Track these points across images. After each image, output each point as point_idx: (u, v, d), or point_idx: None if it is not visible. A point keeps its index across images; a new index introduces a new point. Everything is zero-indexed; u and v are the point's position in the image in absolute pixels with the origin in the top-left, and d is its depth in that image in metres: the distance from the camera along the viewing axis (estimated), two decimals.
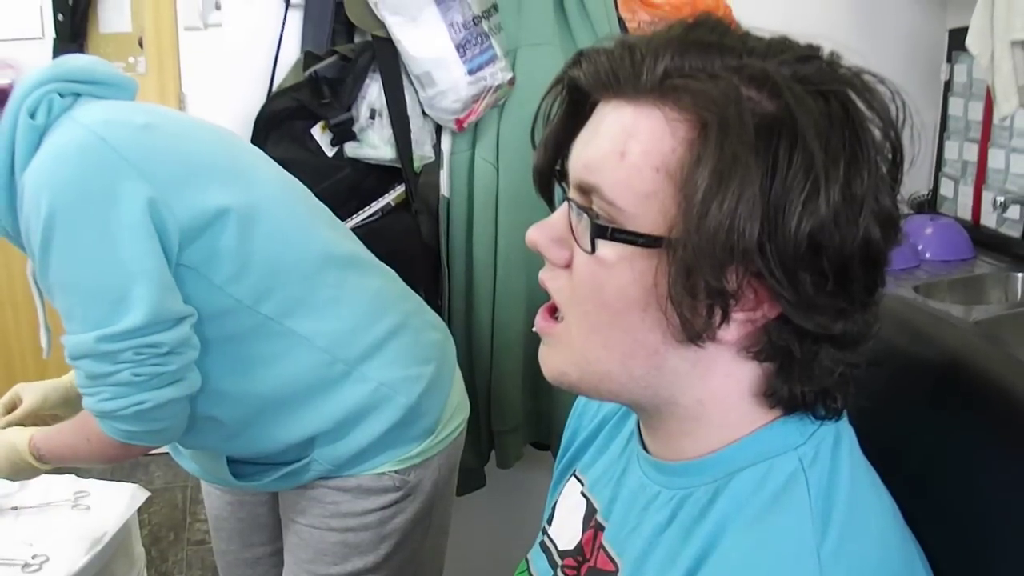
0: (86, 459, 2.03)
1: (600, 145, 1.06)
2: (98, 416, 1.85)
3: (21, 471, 2.09)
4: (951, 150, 3.33)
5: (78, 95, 1.87)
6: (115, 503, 2.63)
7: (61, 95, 1.84)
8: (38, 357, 2.12)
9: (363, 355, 2.03)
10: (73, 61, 1.93)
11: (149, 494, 2.78)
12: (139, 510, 2.73)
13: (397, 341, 2.09)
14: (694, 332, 1.01)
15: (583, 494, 1.35)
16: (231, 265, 1.87)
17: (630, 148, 1.02)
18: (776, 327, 1.03)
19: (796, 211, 0.95)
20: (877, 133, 1.01)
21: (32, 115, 1.79)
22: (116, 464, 2.14)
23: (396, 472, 2.09)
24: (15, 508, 2.57)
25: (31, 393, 2.20)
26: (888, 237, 1.01)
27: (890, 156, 1.02)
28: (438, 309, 2.82)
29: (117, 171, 1.75)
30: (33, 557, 2.33)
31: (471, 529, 3.25)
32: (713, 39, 1.04)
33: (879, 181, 1.00)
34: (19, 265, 1.82)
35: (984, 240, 3.18)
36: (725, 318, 1.01)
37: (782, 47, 1.04)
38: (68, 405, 2.16)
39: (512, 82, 2.70)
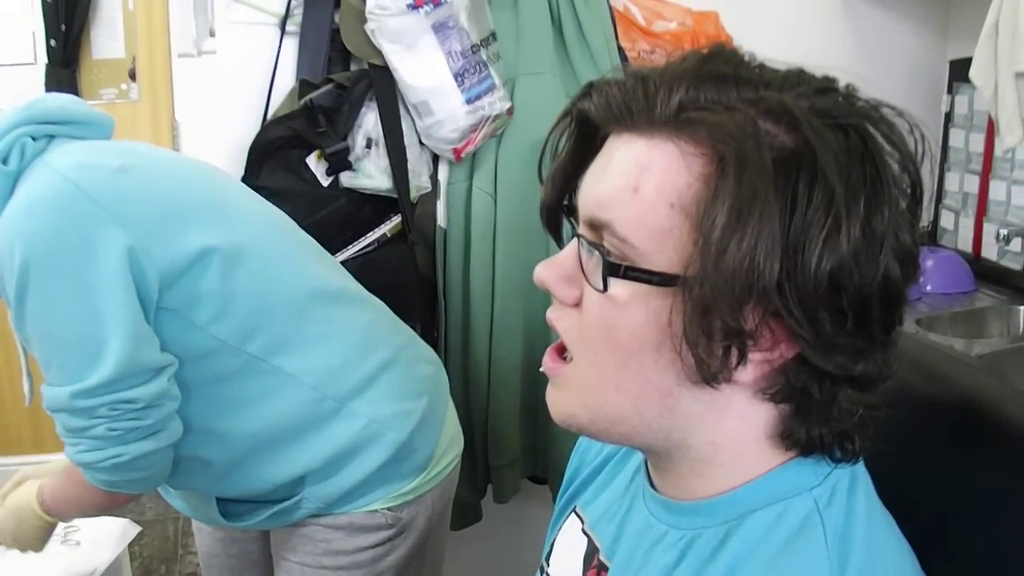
0: (83, 506, 2.01)
1: (612, 180, 1.03)
2: (79, 466, 1.84)
3: (28, 527, 2.06)
4: (952, 182, 3.32)
5: (52, 136, 1.85)
6: (106, 538, 2.61)
7: (34, 138, 1.81)
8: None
9: (353, 391, 2.00)
10: (46, 102, 1.90)
11: (140, 529, 2.76)
12: (130, 543, 2.70)
13: (388, 376, 2.06)
14: (709, 373, 0.98)
15: (584, 531, 1.32)
16: (213, 305, 1.84)
17: (643, 183, 0.99)
18: (794, 368, 1.00)
19: (816, 249, 0.92)
20: (896, 167, 0.98)
21: (4, 161, 1.76)
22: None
23: (389, 509, 2.06)
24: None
25: (37, 477, 2.15)
26: (908, 274, 0.99)
27: (909, 191, 1.00)
28: (434, 342, 2.79)
29: (92, 219, 1.72)
30: None
31: (467, 564, 3.23)
32: (729, 71, 1.01)
33: (899, 217, 0.97)
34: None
35: (985, 273, 3.17)
36: (742, 359, 0.98)
37: (799, 79, 1.02)
38: None
39: (511, 111, 2.67)
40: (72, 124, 1.88)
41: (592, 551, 1.28)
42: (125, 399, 1.74)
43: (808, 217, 0.92)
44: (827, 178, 0.92)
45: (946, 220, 3.35)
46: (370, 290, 2.20)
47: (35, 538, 2.08)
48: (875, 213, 0.94)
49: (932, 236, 3.38)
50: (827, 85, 1.02)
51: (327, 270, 2.13)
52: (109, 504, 1.95)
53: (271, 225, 2.07)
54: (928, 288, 3.08)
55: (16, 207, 1.74)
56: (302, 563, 2.10)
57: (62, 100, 1.94)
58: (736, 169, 0.93)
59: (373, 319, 2.14)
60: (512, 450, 2.86)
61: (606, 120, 1.06)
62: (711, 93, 0.99)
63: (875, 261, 0.94)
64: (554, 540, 1.40)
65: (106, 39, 4.59)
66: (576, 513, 1.37)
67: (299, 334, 1.95)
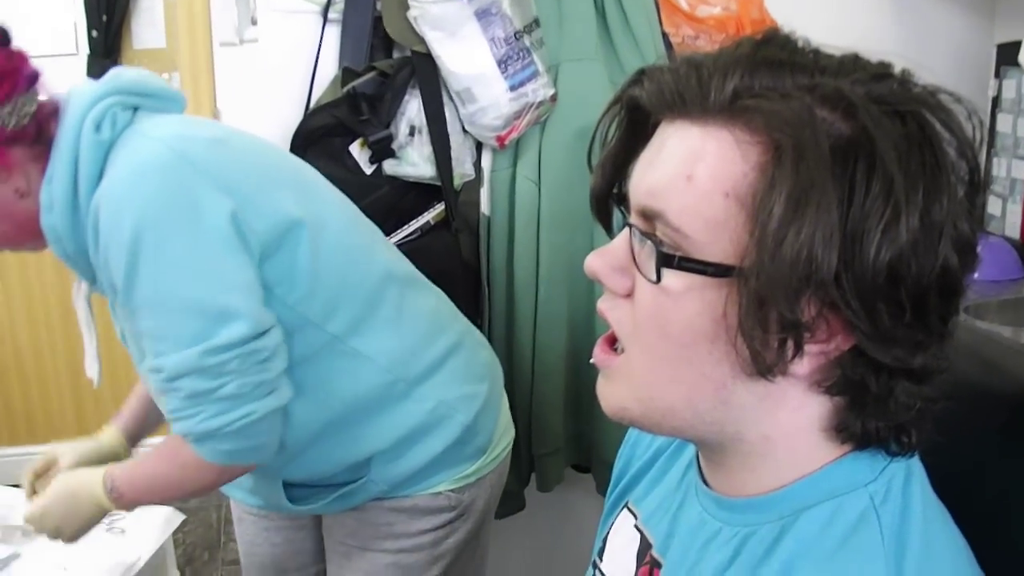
0: (175, 491, 1.99)
1: (664, 168, 1.01)
2: (198, 438, 1.80)
3: (81, 515, 2.01)
4: (999, 167, 3.28)
5: (136, 108, 1.84)
6: (150, 527, 2.62)
7: (123, 108, 1.81)
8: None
9: (423, 374, 2.01)
10: (128, 74, 1.90)
11: (184, 517, 2.76)
12: (173, 531, 2.70)
13: (454, 360, 2.07)
14: (765, 366, 0.96)
15: (636, 527, 1.31)
16: (304, 283, 1.84)
17: (698, 172, 0.98)
18: (850, 360, 0.98)
19: (875, 239, 0.90)
20: (953, 154, 0.96)
21: (97, 129, 1.75)
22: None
23: (452, 491, 2.08)
24: None
25: (67, 454, 2.16)
26: (966, 264, 0.97)
27: (967, 179, 0.98)
28: (478, 329, 2.78)
29: (199, 185, 1.72)
30: None
31: (510, 552, 3.23)
32: (783, 57, 0.99)
33: (958, 205, 0.95)
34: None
35: None
36: (798, 351, 0.96)
37: (854, 65, 1.00)
38: (103, 463, 2.07)
39: (554, 98, 2.66)
40: (154, 97, 1.88)
41: (645, 547, 1.27)
42: (254, 350, 1.74)
43: (867, 207, 0.90)
44: (886, 166, 0.91)
45: (993, 206, 3.31)
46: None
47: (83, 527, 2.03)
48: (934, 202, 0.92)
49: (980, 222, 3.34)
50: (883, 71, 1.00)
51: (394, 254, 2.14)
52: (214, 483, 1.90)
53: (345, 204, 2.08)
54: (976, 275, 3.03)
55: (120, 176, 1.73)
56: (362, 547, 2.11)
57: (140, 73, 1.94)
58: (793, 158, 0.91)
59: (437, 304, 2.16)
60: (556, 439, 2.86)
61: (658, 107, 1.05)
62: (766, 80, 0.97)
63: (934, 251, 0.93)
64: (606, 536, 1.38)
65: (147, 29, 4.60)
66: (628, 508, 1.35)
67: (373, 315, 1.95)
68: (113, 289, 1.77)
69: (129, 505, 2.02)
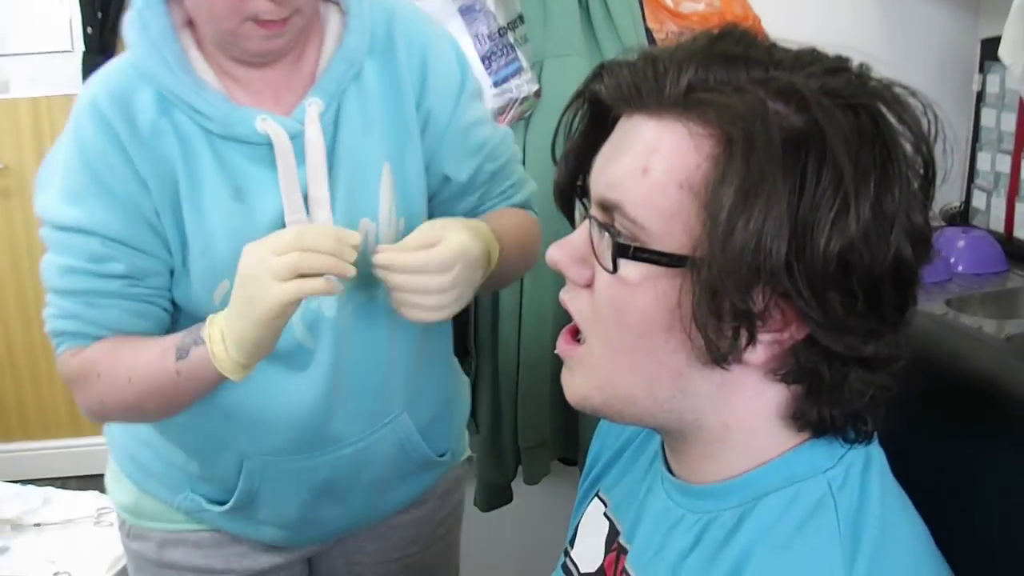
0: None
1: (622, 161, 1.03)
2: None
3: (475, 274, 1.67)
4: (983, 161, 3.29)
5: None
6: None
7: None
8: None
9: None
10: None
11: None
12: None
13: None
14: (719, 354, 0.98)
15: (606, 515, 1.33)
16: None
17: (653, 164, 1.00)
18: (804, 349, 1.00)
19: (825, 229, 0.92)
20: (908, 147, 0.98)
21: None
22: None
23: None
24: (38, 524, 2.57)
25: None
26: (920, 255, 0.99)
27: (922, 171, 0.99)
28: (464, 324, 2.79)
29: None
30: (55, 574, 2.32)
31: (498, 544, 3.24)
32: (739, 51, 1.01)
33: (911, 197, 0.97)
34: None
35: (1017, 253, 3.14)
36: (751, 340, 0.98)
37: (810, 59, 1.02)
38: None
39: (538, 94, 2.67)
40: None
41: (614, 534, 1.28)
42: None
43: (816, 198, 0.92)
44: (836, 159, 0.92)
45: (978, 200, 3.32)
46: None
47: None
48: (885, 193, 0.94)
49: (964, 216, 3.35)
50: (839, 65, 1.02)
51: None
52: None
53: None
54: (959, 268, 3.05)
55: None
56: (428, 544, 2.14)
57: None
58: (743, 150, 0.93)
59: None
60: (542, 432, 2.87)
61: (617, 101, 1.07)
62: (720, 73, 0.99)
63: (885, 241, 0.94)
64: (578, 524, 1.40)
65: None
66: (599, 497, 1.37)
67: None
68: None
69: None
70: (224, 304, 1.60)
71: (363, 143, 1.72)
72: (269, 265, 1.47)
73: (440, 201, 1.87)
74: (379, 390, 1.84)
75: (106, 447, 2.01)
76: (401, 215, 1.77)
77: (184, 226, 1.66)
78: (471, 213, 1.87)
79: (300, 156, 1.66)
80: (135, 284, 1.67)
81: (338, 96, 1.70)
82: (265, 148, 1.65)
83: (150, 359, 1.63)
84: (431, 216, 1.83)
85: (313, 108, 1.66)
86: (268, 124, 1.63)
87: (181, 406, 1.69)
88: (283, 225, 1.65)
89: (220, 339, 1.55)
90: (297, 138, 1.66)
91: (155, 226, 1.67)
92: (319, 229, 1.58)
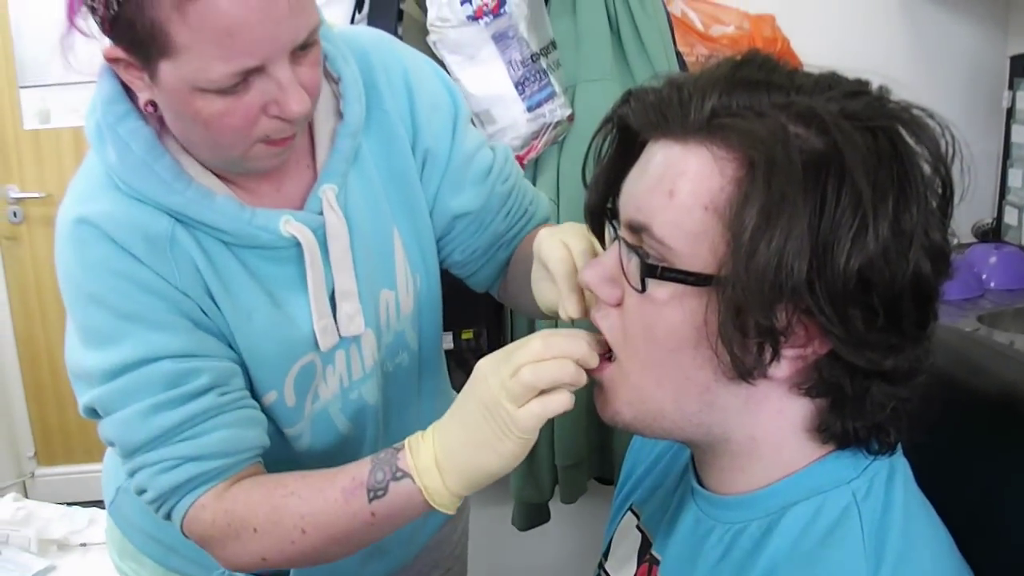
0: None
1: (649, 184, 1.07)
2: None
3: None
4: (1015, 178, 3.29)
5: None
6: None
7: None
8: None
9: None
10: None
11: None
12: None
13: None
14: (744, 369, 1.01)
15: (639, 527, 1.35)
16: None
17: (679, 187, 1.03)
18: (827, 363, 1.03)
19: (845, 248, 0.95)
20: (927, 168, 1.00)
21: None
22: None
23: None
24: (83, 544, 2.59)
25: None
26: (939, 271, 1.01)
27: (940, 190, 1.02)
28: (500, 344, 2.81)
29: None
30: None
31: (535, 564, 3.25)
32: (760, 77, 1.04)
33: (929, 216, 0.99)
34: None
35: None
36: (775, 355, 1.01)
37: (830, 83, 1.04)
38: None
39: (571, 118, 2.69)
40: None
41: (646, 545, 1.31)
42: None
43: (836, 217, 0.95)
44: (855, 179, 0.95)
45: (1010, 216, 3.32)
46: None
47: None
48: (904, 212, 0.97)
49: (996, 233, 3.35)
50: (858, 88, 1.05)
51: None
52: None
53: None
54: (992, 284, 3.05)
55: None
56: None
57: None
58: (765, 173, 0.96)
59: None
60: (579, 451, 2.88)
61: (644, 126, 1.10)
62: (743, 99, 1.02)
63: (904, 258, 0.97)
64: (612, 538, 1.43)
65: None
66: (632, 510, 1.40)
67: None
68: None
69: None
70: (277, 414, 1.55)
71: (371, 216, 1.61)
72: (509, 389, 1.21)
73: (457, 237, 1.74)
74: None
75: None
76: (416, 272, 1.69)
77: (231, 332, 1.51)
78: (500, 241, 1.76)
79: (322, 247, 1.54)
80: (225, 391, 1.47)
81: (347, 174, 1.57)
82: (289, 249, 1.52)
83: (329, 505, 1.40)
84: (449, 257, 1.77)
85: (330, 193, 1.53)
86: (293, 226, 1.49)
87: (372, 543, 1.47)
88: None
89: (435, 471, 1.31)
90: (318, 231, 1.52)
91: (207, 326, 1.49)
92: (568, 335, 1.23)
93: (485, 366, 1.24)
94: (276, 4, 1.25)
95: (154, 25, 1.24)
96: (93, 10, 1.29)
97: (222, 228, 1.46)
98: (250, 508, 1.43)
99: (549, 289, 1.37)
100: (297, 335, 1.54)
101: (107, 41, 1.33)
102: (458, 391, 1.27)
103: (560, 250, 1.36)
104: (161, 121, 1.43)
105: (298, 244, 1.50)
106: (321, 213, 1.52)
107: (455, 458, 1.29)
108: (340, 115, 1.56)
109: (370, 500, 1.36)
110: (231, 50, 1.26)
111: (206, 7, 1.22)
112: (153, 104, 1.38)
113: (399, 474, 1.34)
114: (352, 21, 2.74)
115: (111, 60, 1.35)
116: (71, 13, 1.34)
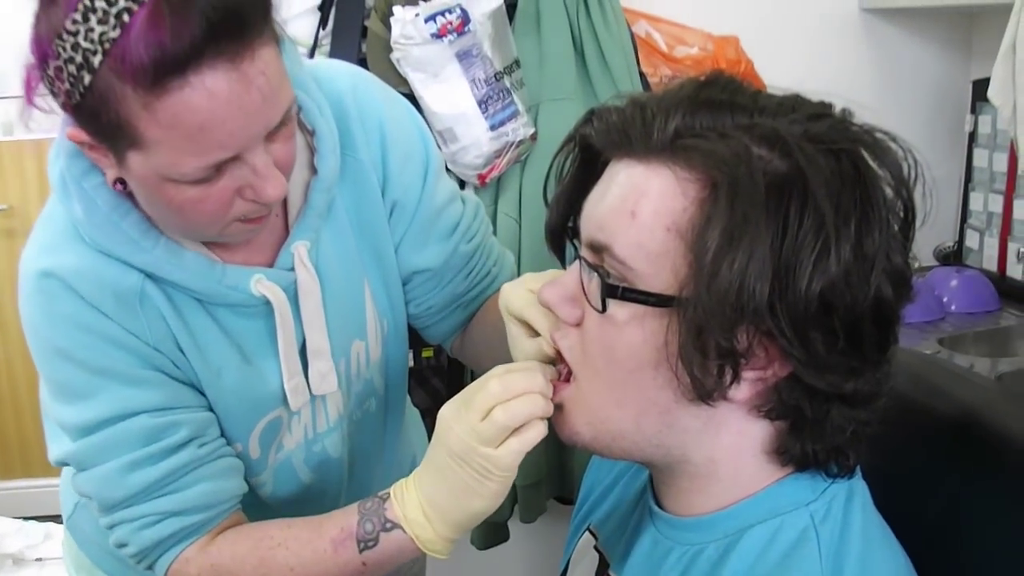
0: None
1: (611, 204, 1.06)
2: None
3: None
4: (976, 201, 3.31)
5: None
6: None
7: None
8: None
9: None
10: None
11: None
12: None
13: None
14: (704, 391, 1.01)
15: (596, 548, 1.35)
16: None
17: (641, 207, 1.03)
18: (787, 386, 1.03)
19: (807, 270, 0.95)
20: (889, 191, 1.00)
21: None
22: None
23: None
24: (39, 559, 2.57)
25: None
26: (900, 295, 1.01)
27: (902, 214, 1.02)
28: (461, 366, 2.81)
29: None
30: None
31: None
32: (724, 98, 1.04)
33: (891, 239, 0.99)
34: None
35: (1010, 292, 3.14)
36: (735, 377, 1.01)
37: (793, 105, 1.05)
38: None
39: (534, 137, 2.70)
40: None
41: (603, 566, 1.31)
42: None
43: (799, 240, 0.95)
44: (817, 202, 0.95)
45: (971, 240, 3.34)
46: None
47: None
48: (866, 236, 0.97)
49: (958, 256, 3.37)
50: (822, 111, 1.05)
51: None
52: None
53: None
54: (953, 307, 3.06)
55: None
56: None
57: None
58: (728, 194, 0.96)
59: None
60: (538, 471, 2.88)
61: (606, 146, 1.10)
62: (706, 120, 1.02)
63: (866, 282, 0.97)
64: (570, 557, 1.42)
65: None
66: (590, 530, 1.39)
67: None
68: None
69: None
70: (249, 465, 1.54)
71: (343, 270, 1.58)
72: (480, 433, 1.21)
73: (414, 290, 1.71)
74: (385, 475, 1.79)
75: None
76: (384, 317, 1.67)
77: (201, 386, 1.49)
78: (459, 301, 1.74)
79: (292, 304, 1.51)
80: (203, 442, 1.47)
81: (320, 228, 1.53)
82: (260, 306, 1.49)
83: (319, 556, 1.41)
84: (415, 304, 1.73)
85: (302, 250, 1.49)
86: (264, 285, 1.46)
87: None
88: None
89: (423, 521, 1.33)
90: (289, 288, 1.49)
91: (180, 377, 1.47)
92: (523, 368, 1.22)
93: (448, 415, 1.25)
94: (248, 96, 1.21)
95: (120, 118, 1.20)
96: (54, 94, 1.24)
97: (192, 287, 1.44)
98: (237, 561, 1.44)
99: (529, 344, 1.31)
100: (266, 392, 1.53)
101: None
102: (418, 407, 1.27)
103: (528, 295, 1.32)
104: (131, 194, 1.38)
105: (269, 303, 1.48)
106: (292, 269, 1.50)
107: (440, 506, 1.30)
108: (313, 168, 1.51)
109: (361, 551, 1.38)
110: (204, 145, 1.22)
111: (176, 104, 1.18)
112: (122, 181, 1.35)
113: (389, 525, 1.36)
114: (316, 37, 2.73)
115: (75, 142, 1.30)
116: (28, 91, 1.27)
